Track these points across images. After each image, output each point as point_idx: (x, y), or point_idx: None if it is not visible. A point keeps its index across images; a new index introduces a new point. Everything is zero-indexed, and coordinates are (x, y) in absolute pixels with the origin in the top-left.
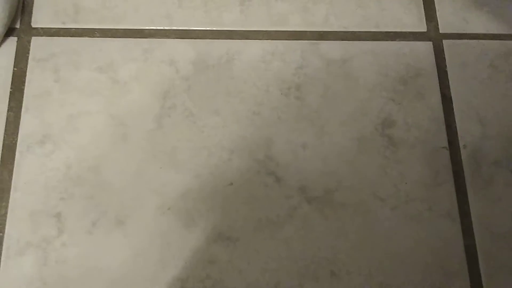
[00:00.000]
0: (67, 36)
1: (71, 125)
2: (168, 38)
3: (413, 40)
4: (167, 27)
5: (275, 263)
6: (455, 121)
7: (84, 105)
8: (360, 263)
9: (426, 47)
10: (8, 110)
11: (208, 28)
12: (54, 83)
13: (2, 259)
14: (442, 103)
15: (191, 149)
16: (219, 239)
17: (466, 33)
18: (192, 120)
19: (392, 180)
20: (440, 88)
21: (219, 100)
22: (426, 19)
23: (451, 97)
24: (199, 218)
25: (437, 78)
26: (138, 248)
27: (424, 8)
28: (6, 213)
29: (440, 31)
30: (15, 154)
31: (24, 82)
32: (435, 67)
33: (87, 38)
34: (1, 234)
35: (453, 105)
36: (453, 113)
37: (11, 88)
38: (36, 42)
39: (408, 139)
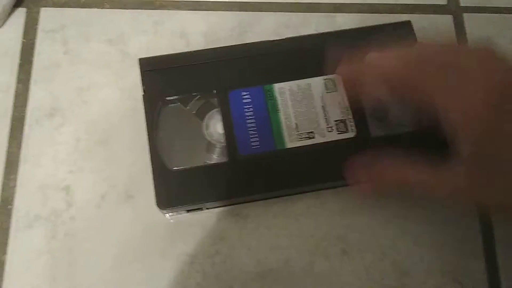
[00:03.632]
0: (77, 7)
1: (80, 98)
2: (179, 9)
3: (432, 13)
4: None
5: (285, 240)
6: None
7: (94, 77)
8: (372, 242)
9: (446, 20)
10: (17, 82)
11: (219, 0)
12: (64, 55)
13: (11, 231)
14: None
15: None
16: (229, 215)
17: (487, 7)
18: None
19: None
20: None
21: None
22: None
23: None
24: None
25: None
26: (147, 222)
27: None
28: (15, 185)
29: (461, 4)
30: (23, 127)
31: (33, 54)
32: (456, 41)
33: (96, 9)
34: (10, 206)
35: None
36: None
37: (20, 60)
38: (45, 13)
39: None
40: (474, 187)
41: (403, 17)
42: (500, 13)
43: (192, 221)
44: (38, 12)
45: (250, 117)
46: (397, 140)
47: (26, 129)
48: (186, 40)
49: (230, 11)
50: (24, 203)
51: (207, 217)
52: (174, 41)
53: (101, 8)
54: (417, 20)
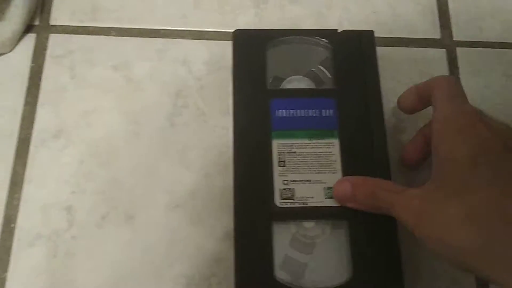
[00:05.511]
0: (84, 34)
1: (84, 121)
2: (183, 38)
3: (426, 47)
4: (182, 27)
5: None
6: None
7: (98, 102)
8: None
9: (439, 54)
10: (24, 104)
11: (222, 30)
12: (70, 80)
13: (13, 249)
14: None
15: (201, 148)
16: (226, 237)
17: (480, 41)
18: (203, 119)
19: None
20: None
21: (231, 100)
22: (440, 26)
23: None
24: (207, 216)
25: None
26: (145, 244)
27: (438, 15)
28: (18, 204)
29: (454, 39)
30: (29, 148)
31: (41, 78)
32: (448, 74)
33: (103, 36)
34: (13, 225)
35: None
36: None
37: (28, 83)
38: (54, 39)
39: None
40: None
41: (396, 50)
42: (492, 47)
43: (189, 241)
44: (47, 38)
45: None
46: None
47: (32, 150)
48: (189, 67)
49: (231, 41)
50: (26, 222)
51: (203, 239)
52: (177, 68)
53: (108, 36)
54: (411, 53)
